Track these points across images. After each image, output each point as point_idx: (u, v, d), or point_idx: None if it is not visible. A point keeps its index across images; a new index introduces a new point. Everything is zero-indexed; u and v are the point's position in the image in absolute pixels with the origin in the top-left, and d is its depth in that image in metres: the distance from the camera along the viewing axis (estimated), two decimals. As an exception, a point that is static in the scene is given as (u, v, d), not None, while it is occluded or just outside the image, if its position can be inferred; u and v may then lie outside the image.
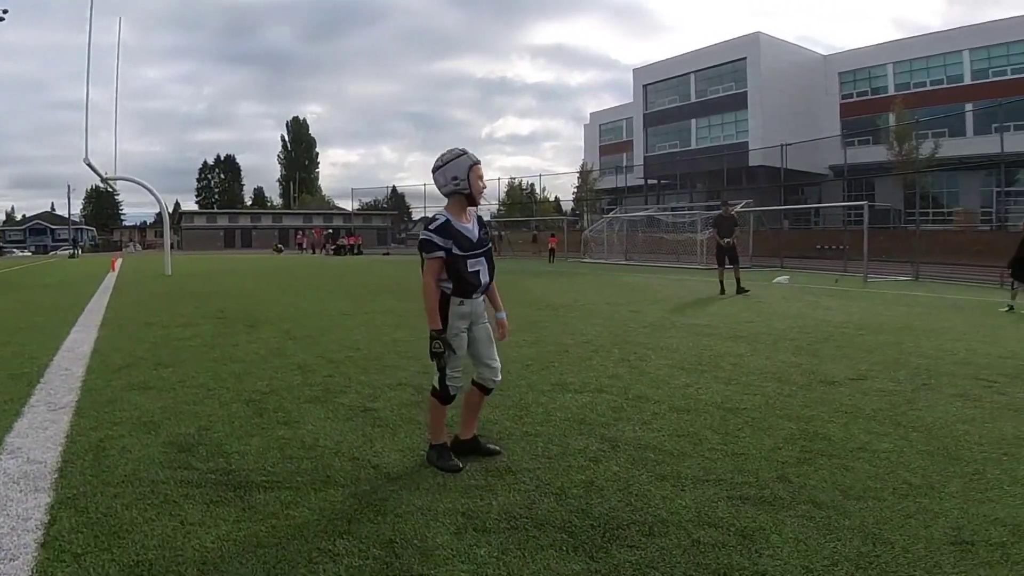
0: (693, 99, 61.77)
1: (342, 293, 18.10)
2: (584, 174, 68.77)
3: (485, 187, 4.74)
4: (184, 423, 5.52)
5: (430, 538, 3.49)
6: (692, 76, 61.72)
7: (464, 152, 4.53)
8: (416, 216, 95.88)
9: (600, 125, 79.45)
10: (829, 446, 5.04)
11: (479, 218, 4.72)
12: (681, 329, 11.06)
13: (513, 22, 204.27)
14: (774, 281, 23.29)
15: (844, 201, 45.62)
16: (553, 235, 48.36)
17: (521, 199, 75.70)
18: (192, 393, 6.60)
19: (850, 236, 33.76)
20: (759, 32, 56.67)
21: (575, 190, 70.83)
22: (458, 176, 4.49)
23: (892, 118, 46.84)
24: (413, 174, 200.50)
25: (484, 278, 4.59)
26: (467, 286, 4.49)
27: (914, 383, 7.21)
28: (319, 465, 4.55)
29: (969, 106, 45.70)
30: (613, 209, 55.87)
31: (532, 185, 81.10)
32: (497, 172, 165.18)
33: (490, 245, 4.72)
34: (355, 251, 61.58)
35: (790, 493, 4.13)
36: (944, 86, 51.13)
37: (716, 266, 19.09)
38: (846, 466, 4.62)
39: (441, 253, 4.42)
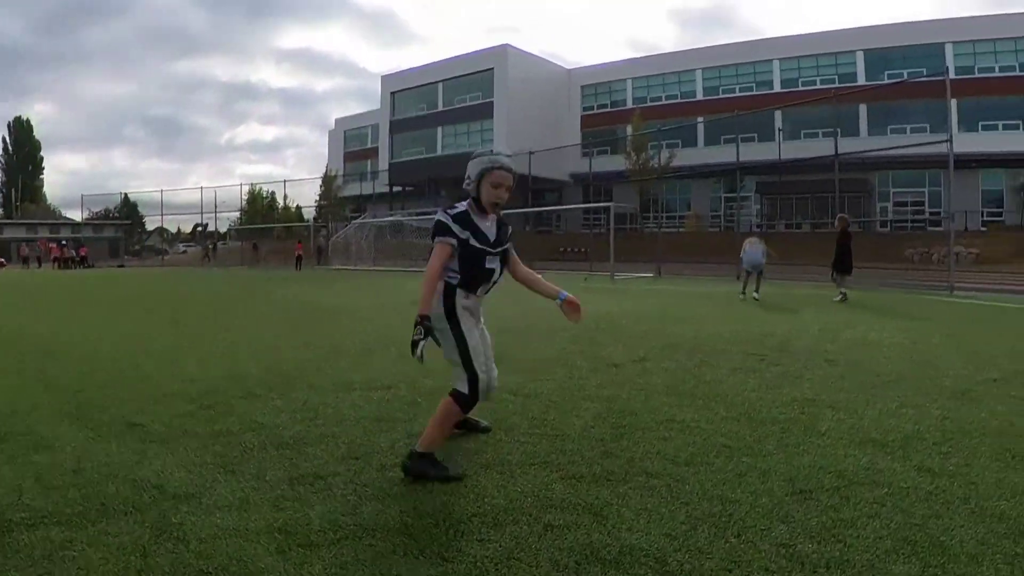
0: (440, 107, 62.74)
1: (80, 306, 16.24)
2: (328, 180, 67.33)
3: (502, 198, 4.11)
4: (-99, 458, 4.43)
5: (250, 562, 2.96)
6: (440, 85, 62.76)
7: (489, 153, 4.11)
8: (151, 227, 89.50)
9: (345, 131, 78.63)
10: (638, 420, 5.06)
11: (500, 221, 4.25)
12: (454, 326, 10.85)
13: (261, 24, 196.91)
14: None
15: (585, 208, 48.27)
16: (300, 242, 46.97)
17: (263, 207, 72.92)
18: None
19: (592, 239, 35.70)
20: (507, 45, 58.62)
21: (318, 198, 69.25)
22: (470, 176, 4.10)
23: (629, 129, 50.11)
24: (147, 182, 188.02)
25: (495, 277, 4.20)
26: (476, 281, 4.11)
27: (694, 361, 7.57)
28: (90, 493, 3.77)
29: (701, 119, 50.08)
30: (358, 216, 55.24)
31: (273, 193, 78.24)
32: (238, 179, 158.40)
33: (508, 247, 4.30)
34: (84, 264, 56.36)
35: (621, 467, 4.06)
36: (678, 101, 56.02)
37: None
38: (663, 437, 4.65)
39: (453, 240, 3.99)
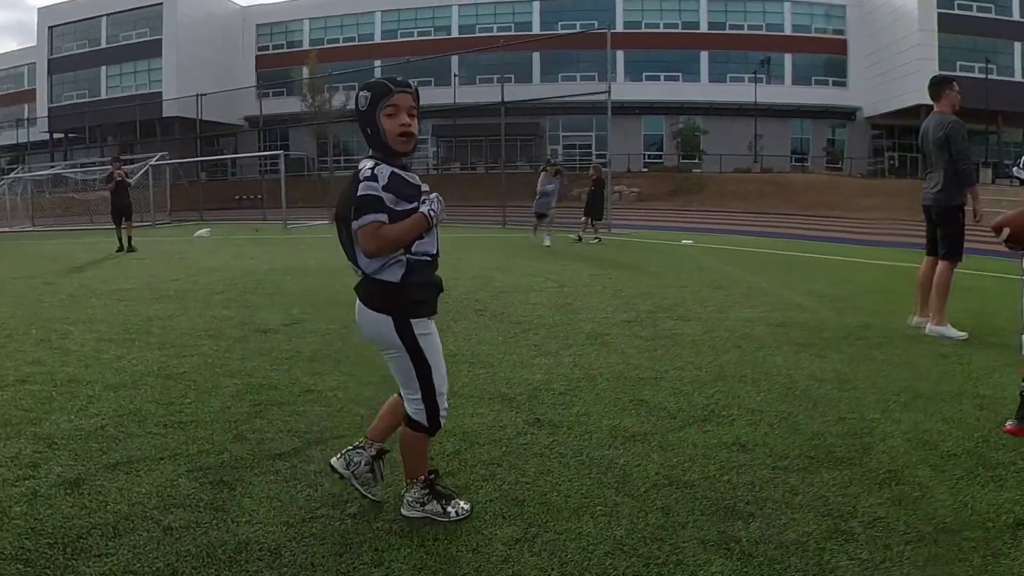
0: (104, 45, 57.33)
1: None
2: (-26, 129, 59.53)
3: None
4: None
5: None
6: (104, 19, 57.25)
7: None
8: None
9: (-4, 71, 69.58)
10: (278, 395, 4.92)
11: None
12: (102, 296, 9.84)
13: None
14: (195, 235, 23.04)
15: (260, 152, 46.63)
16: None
17: None
18: None
19: (267, 185, 34.84)
20: (177, -23, 54.52)
21: (-36, 148, 60.97)
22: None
23: (306, 71, 48.99)
24: None
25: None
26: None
27: (349, 317, 7.30)
28: None
29: (378, 63, 50.06)
30: (15, 168, 49.33)
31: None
32: None
33: None
34: None
35: (249, 451, 3.91)
36: (356, 43, 55.48)
37: (113, 225, 18.40)
38: (297, 411, 4.56)
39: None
